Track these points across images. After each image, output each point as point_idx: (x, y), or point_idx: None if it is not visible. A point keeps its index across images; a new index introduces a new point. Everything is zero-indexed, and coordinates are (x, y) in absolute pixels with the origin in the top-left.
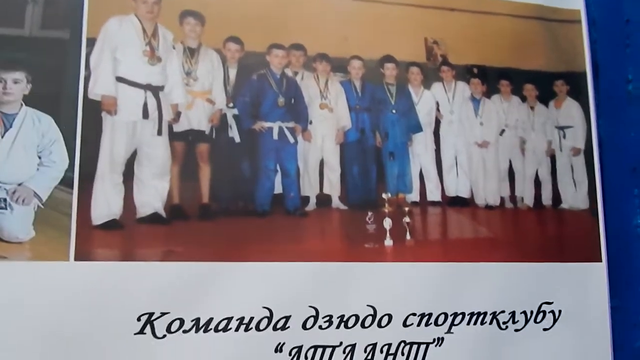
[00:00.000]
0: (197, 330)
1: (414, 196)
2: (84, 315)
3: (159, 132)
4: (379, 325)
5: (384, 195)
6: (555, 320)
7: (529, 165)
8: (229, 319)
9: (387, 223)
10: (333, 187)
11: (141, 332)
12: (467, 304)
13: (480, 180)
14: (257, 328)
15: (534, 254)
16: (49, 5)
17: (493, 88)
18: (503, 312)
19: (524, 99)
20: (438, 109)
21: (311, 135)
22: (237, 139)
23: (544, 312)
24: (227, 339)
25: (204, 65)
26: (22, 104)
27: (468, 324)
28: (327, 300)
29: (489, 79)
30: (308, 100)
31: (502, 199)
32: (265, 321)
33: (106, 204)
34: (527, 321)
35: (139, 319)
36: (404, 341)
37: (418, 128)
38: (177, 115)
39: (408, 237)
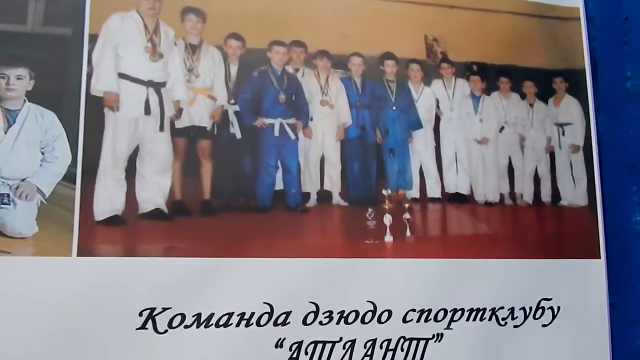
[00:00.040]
0: (198, 326)
1: (414, 192)
2: (86, 310)
3: (161, 129)
4: (379, 321)
5: (384, 192)
6: (554, 317)
7: (528, 162)
8: (230, 315)
9: (387, 219)
10: (334, 183)
11: (143, 327)
12: (467, 300)
13: (479, 177)
14: (258, 323)
15: (533, 250)
16: (51, 1)
17: (493, 85)
18: (502, 308)
19: (523, 96)
20: (438, 106)
21: (312, 132)
22: (239, 136)
23: (543, 308)
24: (228, 334)
25: (205, 62)
26: (25, 100)
27: (467, 320)
28: (327, 296)
29: (489, 76)
30: (309, 97)
31: (501, 195)
32: (266, 317)
33: (108, 199)
34: (526, 317)
35: (140, 314)
36: (403, 337)
37: (418, 125)
38: (179, 111)
39: (408, 233)
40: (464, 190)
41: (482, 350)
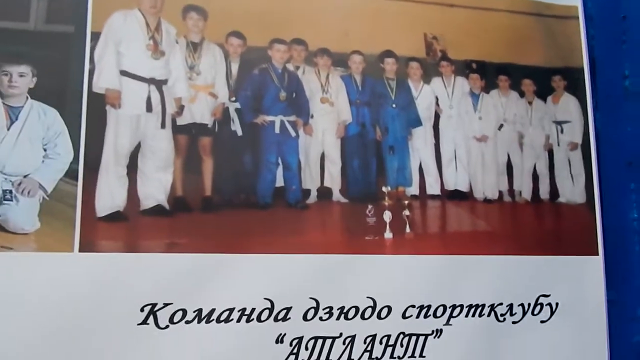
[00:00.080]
0: (199, 321)
1: (414, 189)
2: (88, 305)
3: (163, 126)
4: (379, 317)
5: (384, 189)
6: (552, 313)
7: (527, 160)
8: (231, 310)
9: (387, 216)
10: (334, 180)
11: (144, 322)
12: (466, 296)
13: (478, 174)
14: (259, 319)
15: (532, 247)
16: None
17: (492, 83)
18: (501, 304)
19: (522, 94)
20: (437, 104)
21: (312, 129)
22: (240, 133)
23: (542, 304)
24: (229, 330)
25: (206, 60)
26: (27, 97)
27: (466, 316)
28: (327, 292)
29: (488, 74)
30: (309, 95)
31: (500, 192)
32: (266, 312)
33: (110, 196)
34: (524, 313)
35: (142, 310)
36: (403, 332)
37: (418, 122)
38: (180, 108)
39: (407, 229)
40: (463, 188)
41: (481, 346)
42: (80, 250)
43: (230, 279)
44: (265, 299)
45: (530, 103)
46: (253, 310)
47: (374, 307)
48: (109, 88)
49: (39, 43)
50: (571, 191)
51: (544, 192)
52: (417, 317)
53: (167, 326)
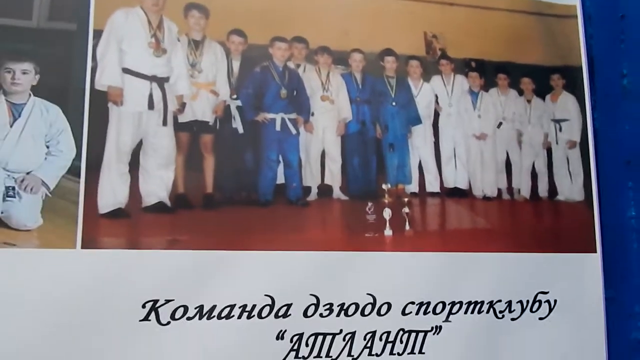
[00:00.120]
0: (200, 317)
1: (413, 187)
2: (90, 301)
3: (164, 123)
4: (379, 314)
5: (383, 186)
6: (550, 310)
7: (525, 158)
8: (232, 307)
9: (387, 213)
10: (334, 177)
11: (146, 318)
12: (465, 293)
13: (478, 172)
14: (259, 315)
15: (531, 244)
16: None
17: (491, 81)
18: (500, 301)
19: (521, 92)
20: (437, 102)
21: (313, 127)
22: (241, 130)
23: (540, 301)
24: (230, 326)
25: (208, 58)
26: (30, 94)
27: (465, 312)
28: (327, 289)
29: (487, 72)
30: (310, 92)
31: (499, 190)
32: (267, 309)
33: (112, 193)
34: (523, 310)
35: (143, 306)
36: (402, 329)
37: (417, 120)
38: (182, 106)
39: (407, 227)
40: (463, 185)
41: (479, 342)
42: (83, 247)
43: (231, 275)
44: (266, 295)
45: (529, 101)
46: (254, 306)
47: (373, 304)
48: (111, 85)
49: (42, 40)
50: (570, 189)
51: (543, 190)
52: (417, 313)
53: (168, 322)
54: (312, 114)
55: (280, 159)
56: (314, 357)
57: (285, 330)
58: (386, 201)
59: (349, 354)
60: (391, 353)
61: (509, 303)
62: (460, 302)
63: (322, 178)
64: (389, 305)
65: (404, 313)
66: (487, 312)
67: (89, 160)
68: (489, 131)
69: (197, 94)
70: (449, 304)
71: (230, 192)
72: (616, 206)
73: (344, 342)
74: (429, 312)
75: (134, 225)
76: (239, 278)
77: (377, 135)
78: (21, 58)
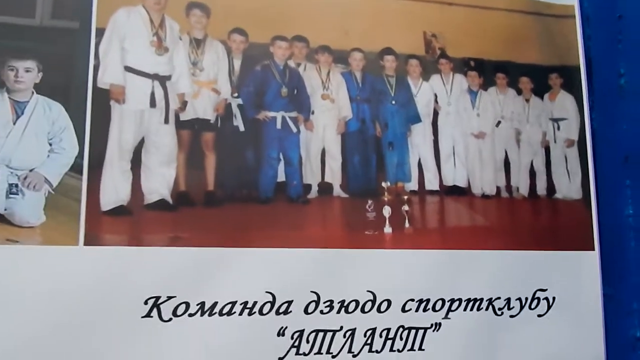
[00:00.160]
0: (202, 314)
1: (413, 185)
2: (92, 298)
3: (166, 121)
4: (379, 311)
5: (383, 184)
6: (549, 307)
7: (524, 156)
8: (233, 303)
9: (387, 211)
10: (334, 175)
11: (148, 315)
12: (464, 290)
13: (476, 170)
14: (260, 312)
15: (529, 242)
16: None
17: (489, 81)
18: (499, 298)
19: (519, 91)
20: (436, 101)
21: (313, 125)
22: (242, 128)
23: (539, 298)
24: (231, 323)
25: (209, 56)
26: (33, 92)
27: (465, 309)
28: (328, 286)
29: (486, 71)
30: (310, 91)
31: (498, 188)
32: (268, 305)
33: (114, 190)
34: (522, 307)
35: (145, 303)
36: (402, 326)
37: (417, 119)
38: (184, 104)
39: (407, 224)
40: (462, 183)
41: (479, 339)
42: (85, 244)
43: (232, 272)
44: (267, 292)
45: (527, 100)
46: (255, 303)
47: (373, 301)
48: (114, 83)
49: (45, 39)
50: (568, 187)
51: (541, 188)
52: (417, 310)
53: (170, 319)
54: (313, 113)
55: (281, 156)
56: (315, 354)
57: (286, 327)
58: (386, 199)
59: (350, 351)
60: (391, 350)
61: (508, 300)
62: (460, 299)
63: (322, 176)
64: (389, 302)
65: (403, 310)
66: (486, 309)
67: (91, 158)
68: (488, 130)
69: (199, 92)
70: (448, 301)
71: (232, 189)
72: (614, 204)
73: (345, 339)
74: (429, 309)
75: (136, 222)
76: (240, 275)
77: (377, 134)
78: (24, 56)
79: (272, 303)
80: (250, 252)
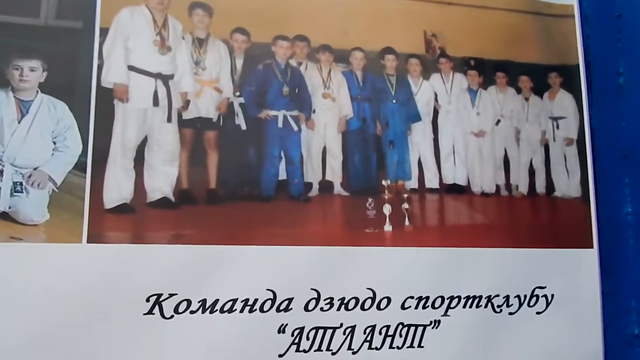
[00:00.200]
0: (203, 311)
1: (413, 183)
2: (95, 295)
3: (169, 120)
4: (378, 308)
5: (383, 182)
6: (548, 304)
7: (523, 154)
8: (234, 301)
9: (387, 209)
10: (335, 173)
11: (150, 312)
12: (464, 287)
13: (476, 169)
14: (261, 309)
15: (528, 240)
16: None
17: (489, 80)
18: (498, 296)
19: (519, 90)
20: (436, 100)
21: (314, 124)
22: (244, 127)
23: (537, 296)
24: (233, 320)
25: (212, 55)
26: (37, 91)
27: (464, 307)
28: (328, 283)
29: (486, 71)
30: (311, 90)
31: (497, 186)
32: (268, 303)
33: (118, 188)
34: (520, 305)
35: (148, 300)
36: (402, 323)
37: (417, 117)
38: (186, 103)
39: (407, 222)
40: (461, 181)
41: (478, 336)
42: (88, 242)
43: (233, 270)
44: (268, 289)
45: (526, 99)
46: (256, 300)
47: (373, 298)
48: (117, 82)
49: (49, 38)
50: (567, 185)
51: (540, 186)
52: (416, 308)
53: (172, 316)
54: (314, 111)
55: (282, 155)
56: (315, 351)
57: (287, 324)
58: (386, 197)
59: (349, 348)
60: (391, 347)
61: (507, 297)
62: (459, 297)
63: (323, 174)
64: (389, 299)
65: (403, 307)
66: (486, 306)
67: (95, 156)
68: (488, 128)
69: (201, 91)
70: (447, 299)
71: (233, 187)
72: (613, 202)
73: (344, 336)
74: (428, 306)
75: (138, 220)
76: (241, 272)
77: (378, 132)
78: (29, 55)
79: (273, 300)
80: (252, 249)
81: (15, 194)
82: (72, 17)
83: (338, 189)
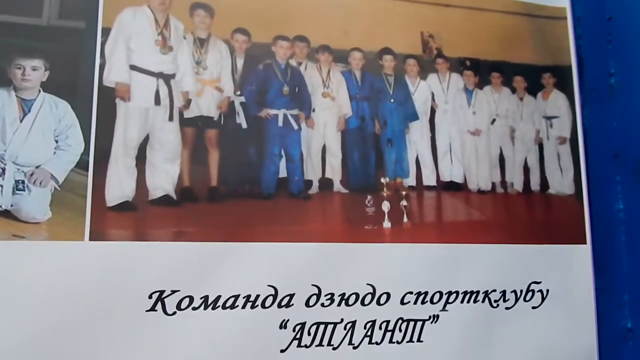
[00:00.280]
0: (205, 308)
1: (411, 181)
2: (97, 292)
3: (170, 118)
4: (378, 303)
5: (382, 180)
6: (543, 299)
7: (518, 153)
8: (236, 297)
9: (386, 206)
10: (334, 171)
11: (152, 309)
12: (461, 283)
13: (472, 167)
14: (263, 305)
15: (524, 236)
16: None
17: (485, 80)
18: (494, 291)
19: (513, 90)
20: (433, 99)
21: (314, 123)
22: (244, 126)
23: (533, 291)
24: (234, 316)
25: (213, 55)
26: (40, 90)
27: (462, 302)
28: (328, 279)
29: (481, 71)
30: (311, 89)
31: (493, 184)
32: (270, 299)
33: (120, 186)
34: (517, 300)
35: (150, 297)
36: (401, 318)
37: (414, 116)
38: (188, 102)
39: (405, 219)
40: (458, 179)
41: (475, 331)
42: (91, 239)
43: (235, 266)
44: (269, 286)
45: (521, 99)
46: (257, 296)
47: (373, 294)
48: (119, 82)
49: (52, 38)
50: (560, 183)
51: (535, 183)
52: (415, 303)
53: (174, 313)
54: (314, 110)
55: (283, 153)
56: (316, 346)
57: (288, 320)
58: (385, 194)
59: (350, 343)
60: (390, 341)
61: (504, 293)
62: (457, 292)
63: (323, 172)
64: (388, 295)
65: (402, 302)
66: (483, 301)
67: (97, 155)
68: (483, 127)
69: (202, 90)
70: (445, 294)
71: (234, 185)
72: (605, 199)
73: (345, 331)
74: (427, 301)
75: (140, 217)
76: (243, 269)
77: (376, 131)
78: (31, 55)
79: (274, 296)
80: (253, 246)
81: (17, 192)
82: (74, 17)
83: (337, 186)
